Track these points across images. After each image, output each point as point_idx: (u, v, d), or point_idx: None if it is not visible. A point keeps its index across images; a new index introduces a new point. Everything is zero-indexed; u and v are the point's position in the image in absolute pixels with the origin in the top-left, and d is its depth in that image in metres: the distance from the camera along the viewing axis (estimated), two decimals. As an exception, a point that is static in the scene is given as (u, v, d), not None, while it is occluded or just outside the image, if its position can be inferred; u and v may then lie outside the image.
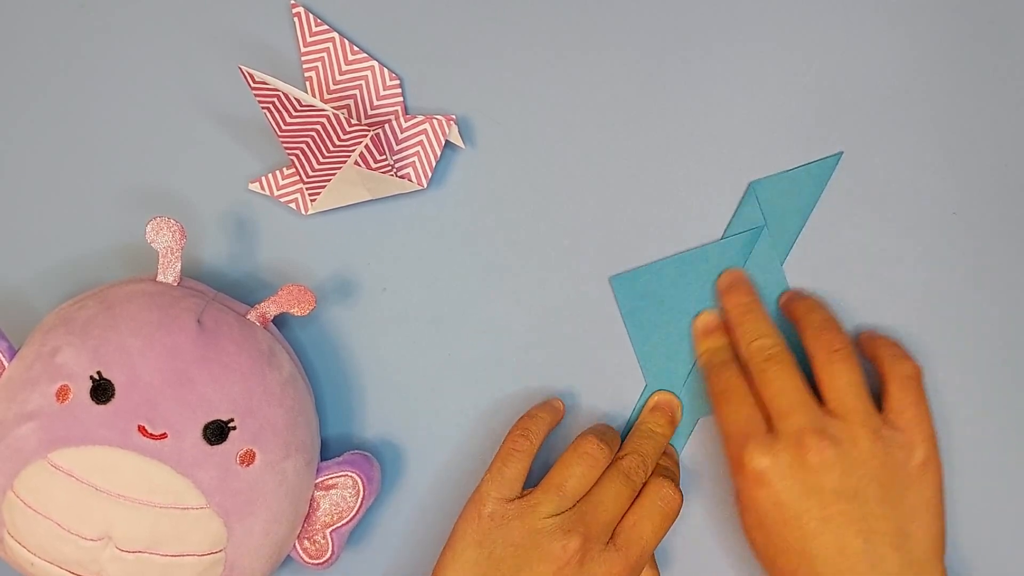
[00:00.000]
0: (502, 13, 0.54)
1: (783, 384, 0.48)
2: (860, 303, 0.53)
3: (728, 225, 0.53)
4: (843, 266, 0.53)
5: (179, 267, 0.49)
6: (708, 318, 0.53)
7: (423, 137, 0.52)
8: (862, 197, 0.53)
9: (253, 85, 0.47)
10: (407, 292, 0.54)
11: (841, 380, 0.48)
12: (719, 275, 0.53)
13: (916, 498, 0.47)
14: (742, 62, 0.53)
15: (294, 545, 0.50)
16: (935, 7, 0.53)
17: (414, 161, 0.53)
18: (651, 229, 0.54)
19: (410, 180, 0.53)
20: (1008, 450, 0.53)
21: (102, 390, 0.45)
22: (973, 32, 0.53)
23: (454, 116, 0.53)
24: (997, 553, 0.52)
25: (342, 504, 0.50)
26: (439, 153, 0.52)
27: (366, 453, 0.52)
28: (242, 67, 0.47)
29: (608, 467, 0.50)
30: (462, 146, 0.54)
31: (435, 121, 0.52)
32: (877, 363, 0.50)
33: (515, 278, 0.54)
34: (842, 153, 0.53)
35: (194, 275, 0.54)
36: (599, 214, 0.54)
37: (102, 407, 0.45)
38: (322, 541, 0.50)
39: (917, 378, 0.49)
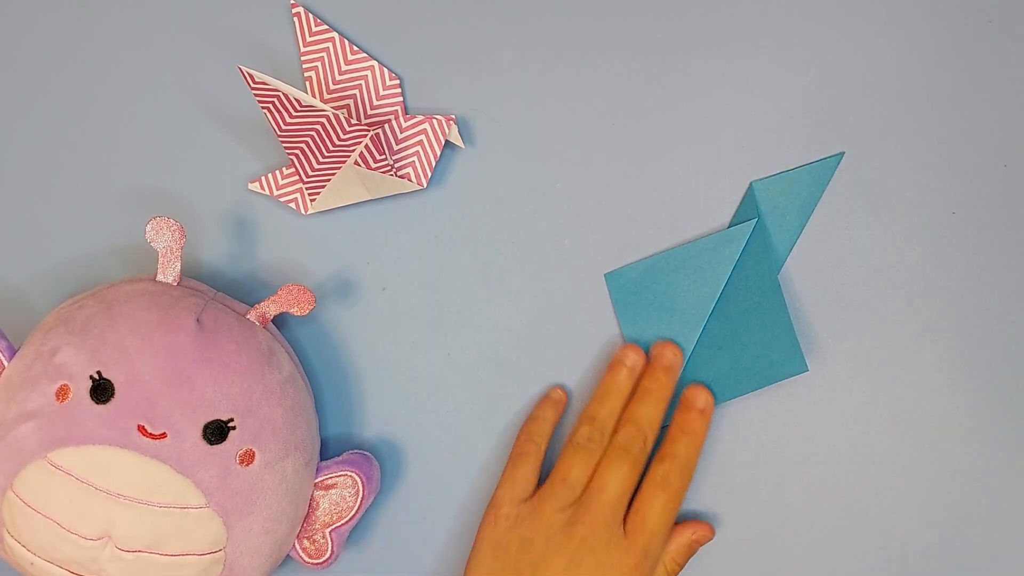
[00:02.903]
0: (502, 13, 0.54)
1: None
2: (860, 303, 0.53)
3: (729, 225, 0.53)
4: (843, 266, 0.53)
5: (179, 267, 0.49)
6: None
7: (423, 137, 0.52)
8: (862, 197, 0.53)
9: (253, 85, 0.47)
10: (407, 292, 0.54)
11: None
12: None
13: None
14: (742, 62, 0.53)
15: (294, 545, 0.50)
16: (935, 7, 0.53)
17: (414, 161, 0.53)
18: (652, 230, 0.54)
19: (410, 180, 0.53)
20: (1008, 449, 0.53)
21: (102, 390, 0.45)
22: (973, 32, 0.53)
23: (454, 116, 0.53)
24: (994, 553, 0.52)
25: (342, 504, 0.50)
26: (439, 153, 0.52)
27: (366, 453, 0.52)
28: (242, 67, 0.47)
29: (608, 443, 0.51)
30: (462, 146, 0.54)
31: (435, 121, 0.52)
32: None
33: (515, 278, 0.54)
34: (843, 154, 0.53)
35: (194, 275, 0.54)
36: (599, 214, 0.54)
37: (102, 407, 0.45)
38: (322, 541, 0.50)
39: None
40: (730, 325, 0.53)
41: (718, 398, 0.53)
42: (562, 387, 0.54)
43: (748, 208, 0.53)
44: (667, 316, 0.53)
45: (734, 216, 0.53)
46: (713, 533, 0.52)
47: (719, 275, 0.53)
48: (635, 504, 0.50)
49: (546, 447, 0.53)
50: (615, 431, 0.51)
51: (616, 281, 0.53)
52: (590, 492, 0.50)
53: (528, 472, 0.52)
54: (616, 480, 0.49)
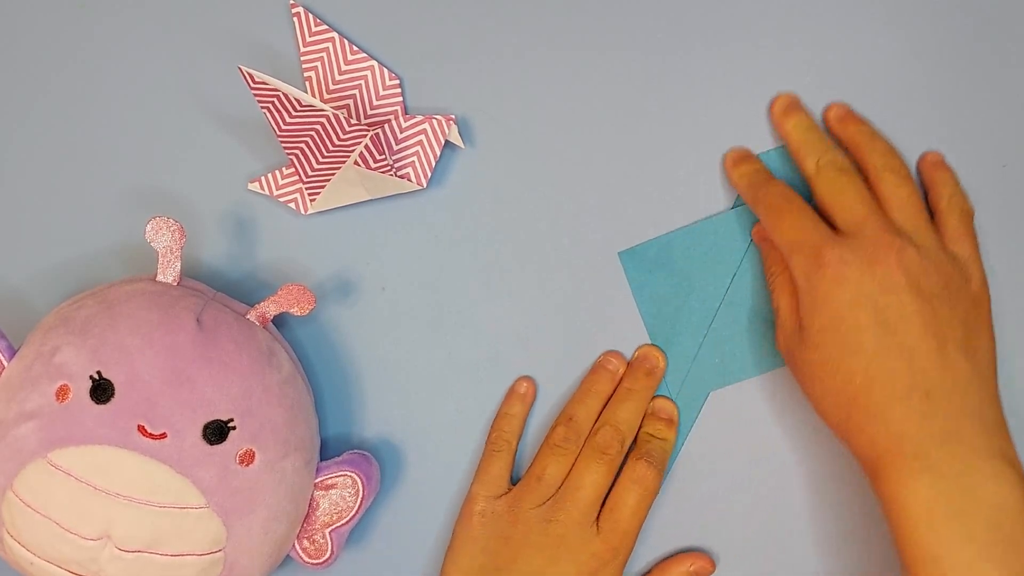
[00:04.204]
0: (502, 13, 0.54)
1: (859, 193, 0.48)
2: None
3: (736, 199, 0.53)
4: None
5: (179, 267, 0.49)
6: (739, 151, 0.52)
7: (423, 137, 0.52)
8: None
9: (253, 85, 0.47)
10: (407, 292, 0.54)
11: (908, 201, 0.48)
12: (772, 101, 0.52)
13: (977, 316, 0.47)
14: (742, 62, 0.53)
15: (293, 545, 0.50)
16: (935, 7, 0.53)
17: (414, 161, 0.53)
18: (652, 229, 0.53)
19: (410, 180, 0.53)
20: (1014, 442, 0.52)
21: (102, 390, 0.45)
22: (973, 32, 0.53)
23: (454, 116, 0.53)
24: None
25: (341, 504, 0.50)
26: (439, 153, 0.52)
27: (365, 453, 0.52)
28: (242, 67, 0.47)
29: (585, 443, 0.51)
30: (462, 146, 0.54)
31: (435, 121, 0.52)
32: (934, 192, 0.51)
33: (515, 278, 0.54)
34: None
35: (194, 275, 0.54)
36: (599, 213, 0.54)
37: (102, 407, 0.45)
38: (321, 541, 0.50)
39: (972, 217, 0.50)
40: (751, 300, 0.53)
41: (740, 376, 0.53)
42: (528, 377, 0.54)
43: None
44: (684, 293, 0.53)
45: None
46: (713, 566, 0.52)
47: (735, 250, 0.53)
48: (609, 502, 0.51)
49: (517, 443, 0.53)
50: (593, 431, 0.52)
51: (631, 259, 0.53)
52: (565, 491, 0.51)
53: (501, 468, 0.53)
54: (591, 480, 0.50)
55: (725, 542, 0.53)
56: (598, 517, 0.50)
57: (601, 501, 0.51)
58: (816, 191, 0.49)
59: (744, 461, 0.53)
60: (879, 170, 0.49)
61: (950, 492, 0.43)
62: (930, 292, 0.46)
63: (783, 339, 0.49)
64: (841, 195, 0.48)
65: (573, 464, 0.51)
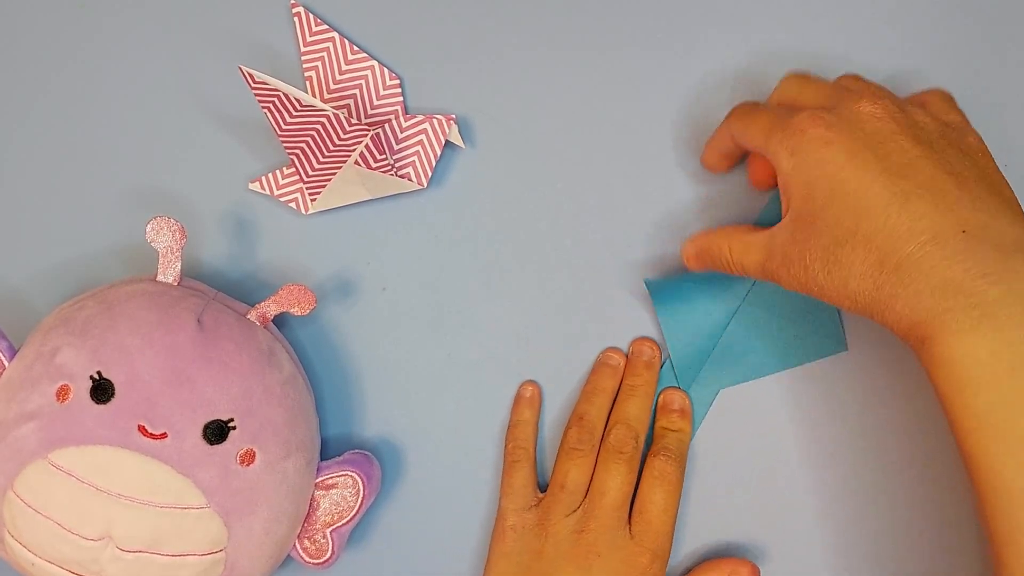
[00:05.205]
0: (502, 13, 0.54)
1: (822, 83, 0.46)
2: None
3: (760, 214, 0.53)
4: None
5: (179, 267, 0.49)
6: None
7: (423, 137, 0.52)
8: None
9: (253, 85, 0.47)
10: (407, 292, 0.54)
11: (874, 85, 0.45)
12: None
13: (987, 162, 0.43)
14: (743, 62, 0.53)
15: (294, 545, 0.50)
16: (935, 7, 0.53)
17: (414, 161, 0.53)
18: (652, 229, 0.53)
19: (410, 180, 0.53)
20: None
21: (102, 390, 0.45)
22: (973, 32, 0.53)
23: (454, 116, 0.53)
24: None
25: (342, 504, 0.50)
26: (439, 153, 0.52)
27: (366, 453, 0.52)
28: (242, 67, 0.47)
29: (601, 447, 0.51)
30: (462, 146, 0.54)
31: (435, 121, 0.52)
32: (908, 97, 0.47)
33: (515, 278, 0.54)
34: None
35: (194, 275, 0.54)
36: (600, 214, 0.54)
37: (102, 407, 0.45)
38: (322, 541, 0.50)
39: (953, 98, 0.47)
40: (770, 301, 0.52)
41: (753, 374, 0.53)
42: (531, 380, 0.54)
43: (775, 204, 0.52)
44: (701, 295, 0.53)
45: (764, 208, 0.52)
46: (756, 573, 0.50)
47: None
48: (637, 504, 0.50)
49: (535, 448, 0.53)
50: (606, 432, 0.52)
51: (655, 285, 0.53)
52: (591, 497, 0.50)
53: (524, 479, 0.52)
54: (614, 483, 0.50)
55: (730, 540, 0.53)
56: (630, 522, 0.50)
57: (628, 503, 0.50)
58: (780, 102, 0.46)
59: (750, 458, 0.53)
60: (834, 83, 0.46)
61: (1013, 340, 0.37)
62: (927, 137, 0.41)
63: (780, 251, 0.43)
64: (804, 90, 0.45)
65: (594, 467, 0.51)
